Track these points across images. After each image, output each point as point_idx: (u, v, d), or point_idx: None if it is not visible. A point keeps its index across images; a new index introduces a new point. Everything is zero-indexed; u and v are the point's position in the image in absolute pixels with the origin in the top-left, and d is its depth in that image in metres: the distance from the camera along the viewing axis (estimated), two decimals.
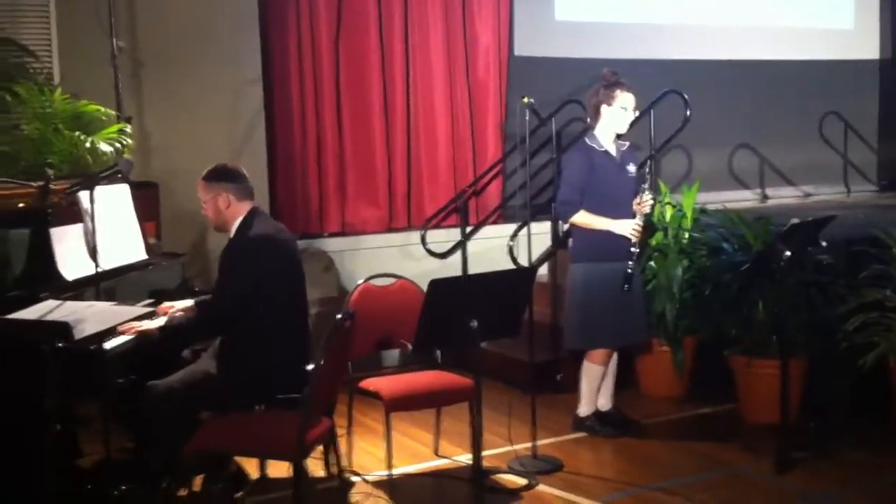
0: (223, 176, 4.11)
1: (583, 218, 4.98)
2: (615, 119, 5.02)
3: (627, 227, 4.93)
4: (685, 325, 5.70)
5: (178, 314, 4.06)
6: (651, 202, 4.99)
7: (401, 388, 4.55)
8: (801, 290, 5.20)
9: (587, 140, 5.09)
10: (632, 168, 5.08)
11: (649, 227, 5.48)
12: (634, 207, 4.96)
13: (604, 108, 5.03)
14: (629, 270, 4.89)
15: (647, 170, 5.02)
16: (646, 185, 4.99)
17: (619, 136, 5.10)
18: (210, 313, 4.05)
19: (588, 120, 5.24)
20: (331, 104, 6.79)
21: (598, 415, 5.24)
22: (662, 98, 6.73)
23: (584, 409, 5.25)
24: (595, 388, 5.21)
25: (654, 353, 5.79)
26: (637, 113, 5.10)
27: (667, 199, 5.96)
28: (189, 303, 4.25)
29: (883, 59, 9.33)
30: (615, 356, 5.26)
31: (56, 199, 4.14)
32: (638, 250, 4.96)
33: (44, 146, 4.96)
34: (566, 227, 5.17)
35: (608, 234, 4.97)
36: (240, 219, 4.09)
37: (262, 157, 6.35)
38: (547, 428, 5.12)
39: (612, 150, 5.06)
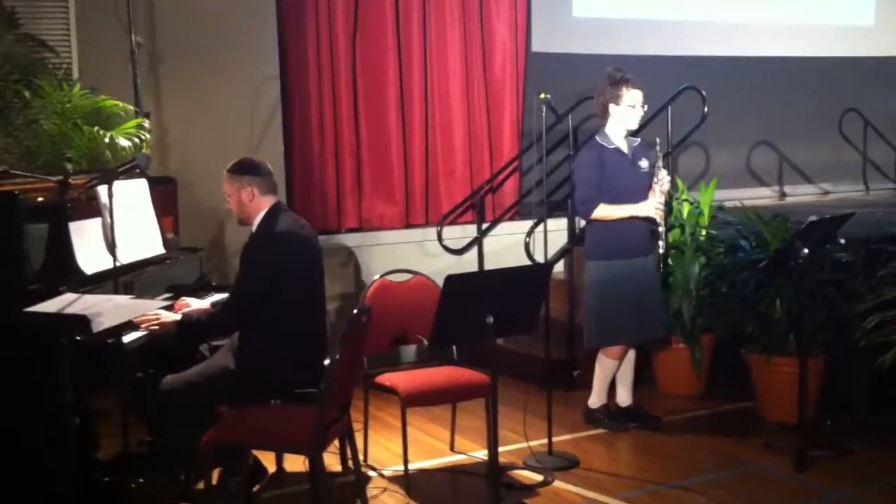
0: (248, 169, 4.13)
1: (604, 211, 4.97)
2: (624, 117, 5.01)
3: (650, 208, 4.96)
4: (702, 323, 5.68)
5: (194, 312, 4.10)
6: (668, 178, 5.02)
7: (417, 384, 4.55)
8: (818, 288, 5.17)
9: (598, 138, 5.09)
10: (644, 164, 5.07)
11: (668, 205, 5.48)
12: (654, 186, 4.98)
13: (612, 108, 5.02)
14: (661, 250, 5.01)
15: (659, 151, 5.00)
16: (660, 164, 4.99)
17: (631, 133, 5.09)
18: (229, 308, 4.06)
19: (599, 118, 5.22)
20: (348, 100, 6.79)
21: (618, 410, 5.24)
22: (680, 94, 6.70)
23: (594, 401, 5.27)
24: (607, 381, 5.22)
25: (671, 351, 5.78)
26: (646, 108, 5.08)
27: (684, 196, 5.94)
28: (206, 304, 4.26)
29: None
30: (632, 352, 5.25)
31: (75, 194, 4.16)
32: (664, 228, 4.98)
33: (63, 141, 4.98)
34: (583, 224, 5.16)
35: (623, 231, 4.98)
36: (262, 213, 4.10)
37: (279, 153, 6.36)
38: (563, 425, 5.12)
39: (624, 147, 5.06)
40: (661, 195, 4.97)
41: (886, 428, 5.08)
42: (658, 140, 5.04)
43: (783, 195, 8.62)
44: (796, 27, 8.65)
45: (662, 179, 4.97)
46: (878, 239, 5.40)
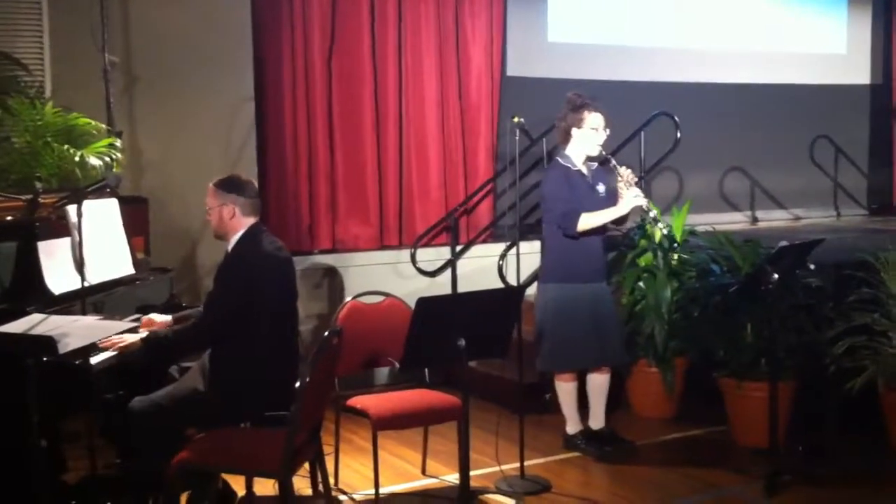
0: (234, 187, 4.11)
1: (589, 219, 4.93)
2: (587, 140, 5.01)
3: (630, 201, 4.91)
4: (674, 347, 5.70)
5: (160, 327, 4.06)
6: (630, 171, 4.98)
7: (388, 407, 4.53)
8: (789, 312, 5.20)
9: (560, 160, 5.10)
10: (601, 188, 5.08)
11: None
12: (622, 184, 4.94)
13: (574, 132, 5.03)
14: (664, 231, 5.08)
15: (608, 156, 5.01)
16: (613, 162, 4.98)
17: (591, 159, 5.08)
18: (200, 325, 4.03)
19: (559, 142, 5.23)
20: (323, 121, 6.79)
21: (589, 434, 5.23)
22: (653, 120, 6.75)
23: (570, 428, 5.26)
24: (573, 404, 5.21)
25: (644, 374, 5.79)
26: (608, 131, 5.07)
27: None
28: (168, 318, 4.23)
29: (874, 84, 9.40)
30: (606, 376, 5.24)
31: (44, 213, 4.12)
32: (655, 212, 4.99)
33: (34, 159, 4.95)
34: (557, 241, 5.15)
35: (581, 255, 4.99)
36: (240, 232, 4.08)
37: (253, 174, 6.31)
38: (535, 448, 5.10)
39: (584, 170, 5.08)
40: (632, 187, 4.93)
41: (857, 452, 5.10)
42: (604, 152, 5.04)
43: (755, 220, 8.69)
44: (769, 55, 8.76)
45: (624, 173, 4.94)
46: (849, 264, 5.44)
